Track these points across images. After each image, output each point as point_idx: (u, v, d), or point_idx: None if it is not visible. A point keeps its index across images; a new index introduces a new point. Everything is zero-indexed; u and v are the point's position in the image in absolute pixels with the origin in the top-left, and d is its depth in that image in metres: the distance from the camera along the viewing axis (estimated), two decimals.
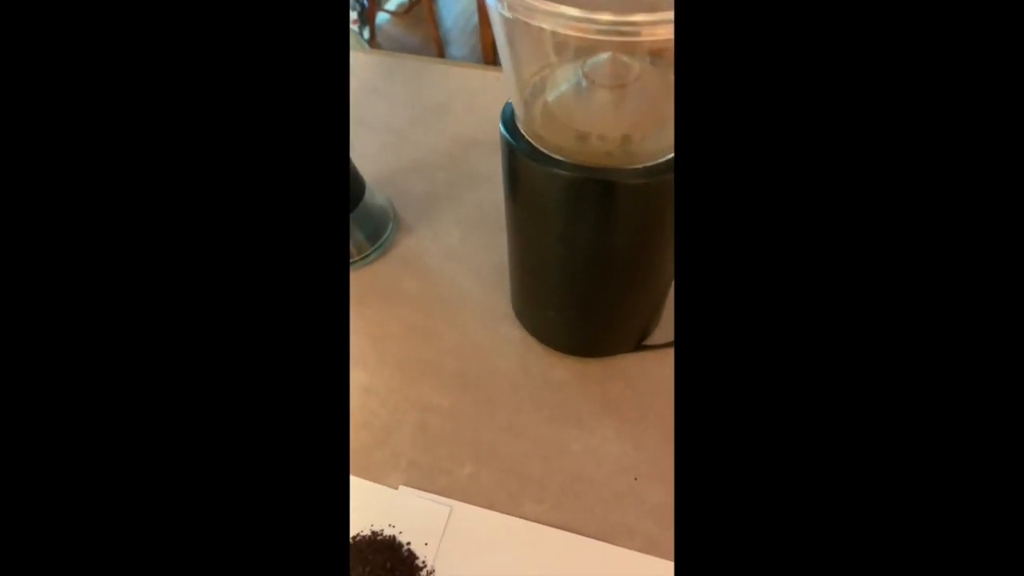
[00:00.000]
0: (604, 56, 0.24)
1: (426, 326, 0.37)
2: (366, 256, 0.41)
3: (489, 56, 1.50)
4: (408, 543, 0.28)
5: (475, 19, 1.78)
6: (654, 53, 0.24)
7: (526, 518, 0.28)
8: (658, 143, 0.24)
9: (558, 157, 0.24)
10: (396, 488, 0.30)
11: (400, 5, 1.92)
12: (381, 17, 1.84)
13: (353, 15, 1.60)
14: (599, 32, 0.18)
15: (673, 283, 0.33)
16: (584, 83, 0.24)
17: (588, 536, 0.28)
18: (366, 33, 1.64)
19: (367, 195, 0.41)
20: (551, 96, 0.25)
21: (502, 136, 0.26)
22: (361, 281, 0.40)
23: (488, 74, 0.57)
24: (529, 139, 0.25)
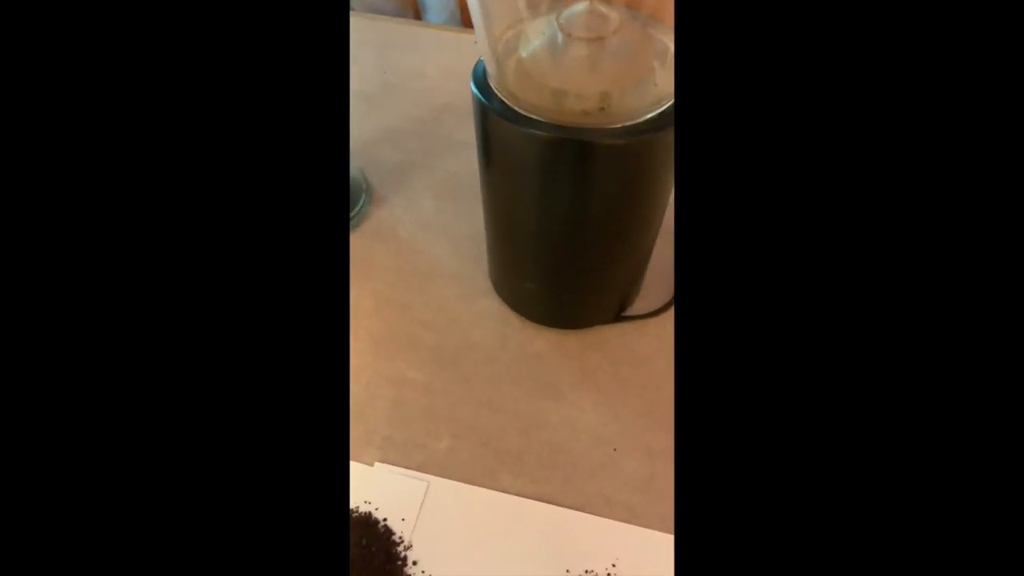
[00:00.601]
0: (580, 6, 0.22)
1: (400, 300, 0.36)
2: None
3: (468, 21, 1.45)
4: (384, 519, 0.27)
5: None
6: (632, 2, 0.22)
7: (504, 491, 0.28)
8: (638, 100, 0.23)
9: (533, 116, 0.23)
10: (371, 465, 0.29)
11: None
12: None
13: None
14: None
15: (652, 252, 0.32)
16: (559, 36, 0.23)
17: (567, 507, 0.27)
18: None
19: None
20: (525, 52, 0.24)
21: (474, 95, 0.24)
22: None
23: (464, 37, 0.54)
24: (503, 98, 0.24)
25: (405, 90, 0.49)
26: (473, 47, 0.53)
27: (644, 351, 0.33)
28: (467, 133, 0.45)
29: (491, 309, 0.35)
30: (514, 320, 0.35)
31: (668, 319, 0.34)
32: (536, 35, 0.24)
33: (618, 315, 0.34)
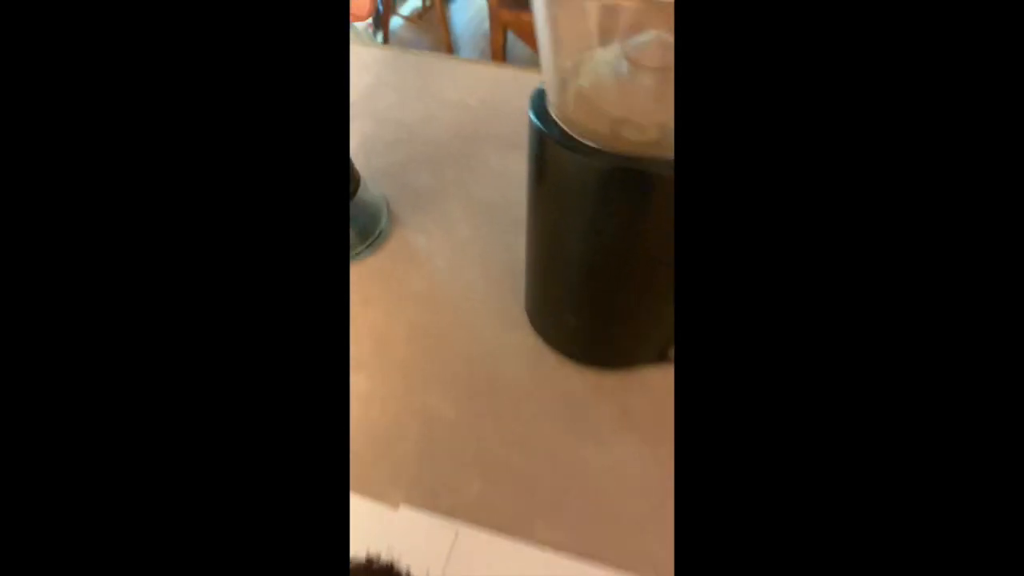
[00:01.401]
0: (648, 36, 0.22)
1: (433, 329, 0.34)
2: (357, 254, 0.38)
3: (499, 60, 1.49)
4: (408, 568, 0.25)
5: (485, 24, 1.78)
6: None
7: (540, 543, 0.26)
8: None
9: (591, 144, 0.22)
10: (396, 508, 0.27)
11: (414, 10, 1.93)
12: (394, 22, 1.84)
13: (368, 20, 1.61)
14: None
15: None
16: (624, 65, 0.22)
17: (608, 566, 0.25)
18: (379, 37, 1.64)
19: (360, 189, 0.38)
20: (588, 79, 0.23)
21: (531, 122, 0.24)
22: (365, 279, 0.37)
23: (501, 72, 0.55)
24: (561, 125, 0.23)
25: (444, 120, 0.49)
26: (511, 81, 0.53)
27: None
28: (503, 162, 0.45)
29: (526, 343, 0.34)
30: (550, 356, 0.33)
31: None
32: (601, 63, 0.23)
33: (661, 356, 0.32)
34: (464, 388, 0.32)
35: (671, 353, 0.32)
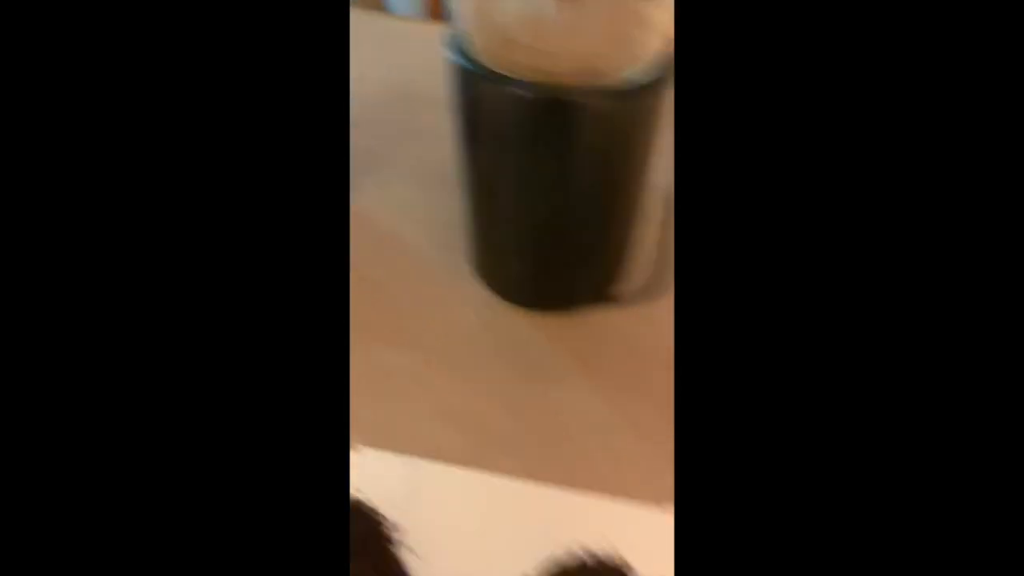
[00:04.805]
0: None
1: (381, 287, 0.34)
2: None
3: (436, 11, 1.43)
4: (374, 506, 0.26)
5: None
6: None
7: (498, 475, 0.27)
8: (619, 62, 0.22)
9: (515, 77, 0.22)
10: (357, 450, 0.28)
11: None
12: None
13: None
14: None
15: (637, 226, 0.32)
16: None
17: (564, 489, 0.27)
18: None
19: None
20: (503, 16, 0.23)
21: (454, 63, 0.24)
22: None
23: (430, 28, 0.53)
24: (482, 61, 0.23)
25: (370, 78, 0.47)
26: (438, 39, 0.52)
27: (632, 332, 0.33)
28: (432, 121, 0.44)
29: (473, 294, 0.34)
30: (497, 305, 0.34)
31: (655, 301, 0.34)
32: None
33: (604, 297, 0.34)
34: (414, 339, 0.32)
35: (612, 292, 0.34)
